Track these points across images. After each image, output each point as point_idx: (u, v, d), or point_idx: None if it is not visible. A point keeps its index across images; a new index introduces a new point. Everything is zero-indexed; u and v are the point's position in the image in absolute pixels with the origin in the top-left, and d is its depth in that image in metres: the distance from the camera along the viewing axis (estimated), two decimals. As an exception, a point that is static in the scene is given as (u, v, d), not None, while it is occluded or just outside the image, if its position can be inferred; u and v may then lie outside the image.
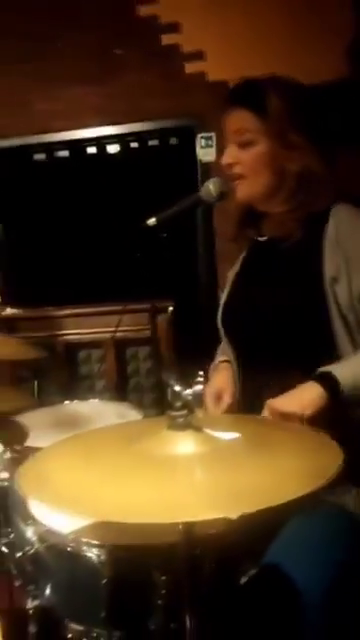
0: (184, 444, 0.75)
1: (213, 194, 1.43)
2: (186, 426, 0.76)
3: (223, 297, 1.60)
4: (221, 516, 0.63)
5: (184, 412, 0.76)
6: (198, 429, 0.77)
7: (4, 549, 1.37)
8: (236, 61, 2.98)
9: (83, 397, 1.93)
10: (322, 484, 0.63)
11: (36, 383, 2.30)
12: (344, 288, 1.32)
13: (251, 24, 2.95)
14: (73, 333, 2.52)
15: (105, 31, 3.17)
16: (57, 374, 2.51)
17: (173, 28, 3.11)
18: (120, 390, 2.60)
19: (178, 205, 1.45)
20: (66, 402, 1.87)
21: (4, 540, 1.37)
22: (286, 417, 1.20)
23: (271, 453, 0.74)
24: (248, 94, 1.43)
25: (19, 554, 1.12)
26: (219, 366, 1.59)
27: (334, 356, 1.32)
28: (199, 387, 0.77)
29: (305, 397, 1.22)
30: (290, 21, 2.89)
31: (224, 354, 1.62)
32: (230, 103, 1.45)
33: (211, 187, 1.43)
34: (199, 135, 3.14)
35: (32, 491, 0.75)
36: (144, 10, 3.12)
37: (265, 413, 1.24)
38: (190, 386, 0.79)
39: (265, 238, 1.50)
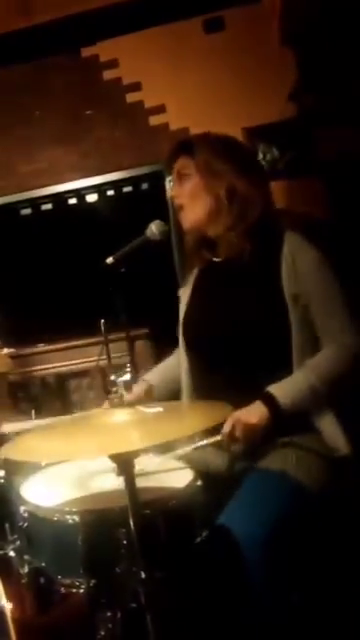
0: (119, 415, 1.04)
1: (156, 233, 1.72)
2: (120, 404, 1.04)
3: (181, 314, 1.84)
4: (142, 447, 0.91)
5: (118, 394, 1.04)
6: (130, 406, 1.05)
7: (12, 553, 1.59)
8: (193, 111, 3.34)
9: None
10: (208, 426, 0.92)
11: (33, 413, 2.57)
12: (304, 308, 1.55)
13: (203, 79, 3.30)
14: (62, 365, 2.80)
15: (75, 96, 3.54)
16: (52, 403, 2.79)
17: (135, 87, 3.47)
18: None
19: (129, 245, 1.75)
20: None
21: (11, 546, 1.60)
22: (248, 427, 1.45)
23: (182, 416, 1.03)
24: (183, 146, 1.76)
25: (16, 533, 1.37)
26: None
27: (289, 370, 1.53)
28: (127, 376, 1.04)
29: (260, 412, 1.47)
30: (237, 74, 3.25)
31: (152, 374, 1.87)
32: (172, 155, 1.77)
33: (153, 228, 1.72)
34: (167, 178, 3.47)
35: (10, 453, 1.04)
36: (108, 74, 3.50)
37: (228, 424, 1.44)
38: (120, 376, 1.06)
39: (220, 259, 1.73)
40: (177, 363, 1.85)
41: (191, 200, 1.69)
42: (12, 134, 3.59)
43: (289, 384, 1.53)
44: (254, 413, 1.48)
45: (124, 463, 1.00)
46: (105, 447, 0.96)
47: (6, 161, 3.61)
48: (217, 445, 1.46)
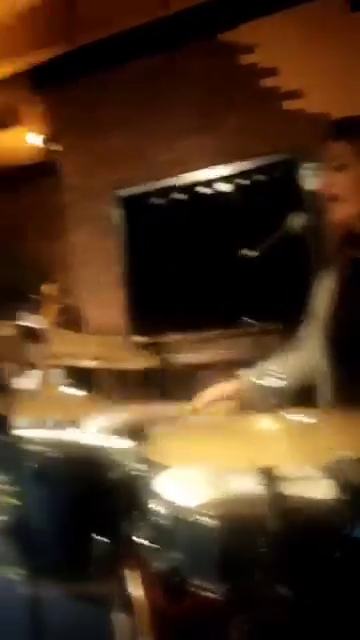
0: (266, 423, 0.99)
1: (296, 227, 1.64)
2: (268, 410, 1.00)
3: (326, 313, 1.74)
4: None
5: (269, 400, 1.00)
6: (278, 413, 1.01)
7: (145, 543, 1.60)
8: (332, 95, 3.18)
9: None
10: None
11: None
12: None
13: (345, 61, 3.13)
14: (192, 356, 2.81)
15: (210, 84, 3.52)
16: (179, 392, 2.80)
17: (271, 72, 3.38)
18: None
19: (270, 238, 1.68)
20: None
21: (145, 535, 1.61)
22: None
23: (337, 431, 0.97)
24: (344, 127, 1.64)
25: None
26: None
27: None
28: (274, 380, 0.99)
29: None
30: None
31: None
32: (329, 136, 1.66)
33: (294, 221, 1.64)
34: (303, 166, 3.34)
35: (159, 458, 1.03)
36: (244, 59, 3.43)
37: None
38: (268, 381, 1.01)
39: None
40: (303, 361, 1.75)
41: (350, 191, 1.58)
42: (147, 124, 3.64)
43: None
44: None
45: (272, 478, 0.96)
46: (255, 459, 0.91)
47: (141, 151, 3.68)
48: None
